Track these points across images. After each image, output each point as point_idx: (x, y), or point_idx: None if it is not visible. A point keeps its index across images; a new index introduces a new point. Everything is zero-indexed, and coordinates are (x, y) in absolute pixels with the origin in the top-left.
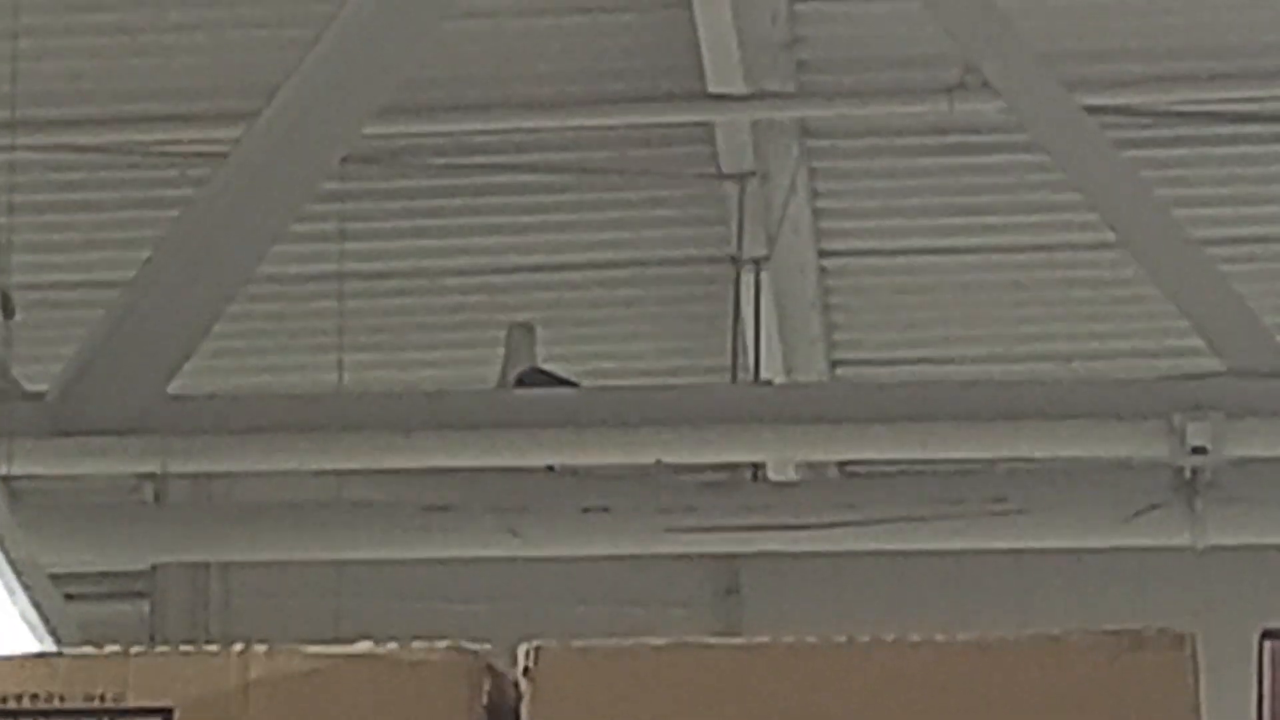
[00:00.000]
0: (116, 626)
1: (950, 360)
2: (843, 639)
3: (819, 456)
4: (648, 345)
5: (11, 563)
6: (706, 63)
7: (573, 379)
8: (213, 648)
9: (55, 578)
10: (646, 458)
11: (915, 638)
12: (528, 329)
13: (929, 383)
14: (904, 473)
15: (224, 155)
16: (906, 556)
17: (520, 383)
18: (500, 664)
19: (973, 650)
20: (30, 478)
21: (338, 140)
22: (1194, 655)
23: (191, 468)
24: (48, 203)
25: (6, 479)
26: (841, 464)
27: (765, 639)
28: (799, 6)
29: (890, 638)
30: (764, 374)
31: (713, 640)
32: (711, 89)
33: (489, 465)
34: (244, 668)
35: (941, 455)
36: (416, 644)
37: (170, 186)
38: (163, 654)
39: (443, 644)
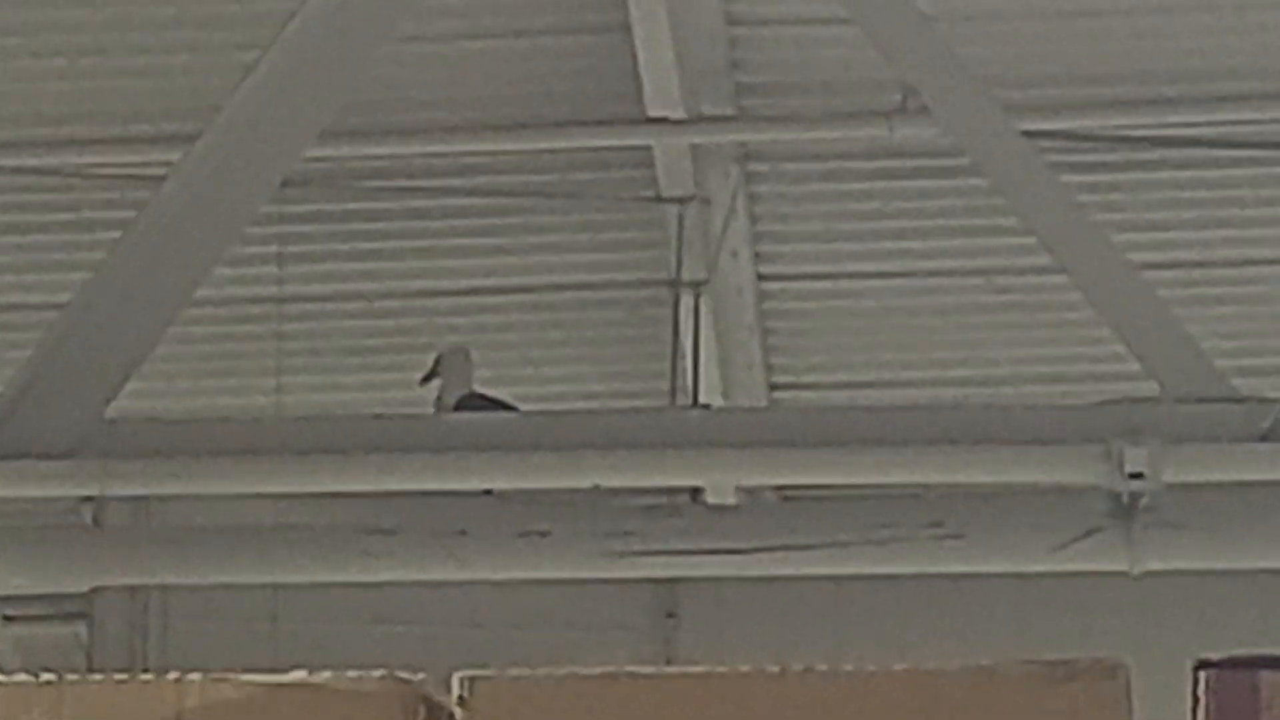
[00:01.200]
0: (55, 649)
1: (889, 384)
2: (776, 668)
3: (757, 481)
4: (586, 369)
5: None
6: (646, 86)
7: (511, 403)
8: (147, 676)
9: None
10: (585, 482)
11: (849, 667)
12: (463, 353)
13: (868, 407)
14: (842, 497)
15: (163, 178)
16: (844, 581)
17: (459, 407)
18: (435, 693)
19: (907, 680)
20: None
21: (277, 163)
22: (1127, 685)
23: (130, 491)
24: None
25: None
26: (780, 488)
27: (699, 668)
28: (738, 30)
29: (824, 667)
30: (702, 398)
31: (646, 670)
32: (651, 113)
33: (427, 489)
34: (179, 696)
35: (880, 480)
36: (351, 673)
37: (109, 209)
38: (98, 682)
39: (377, 673)
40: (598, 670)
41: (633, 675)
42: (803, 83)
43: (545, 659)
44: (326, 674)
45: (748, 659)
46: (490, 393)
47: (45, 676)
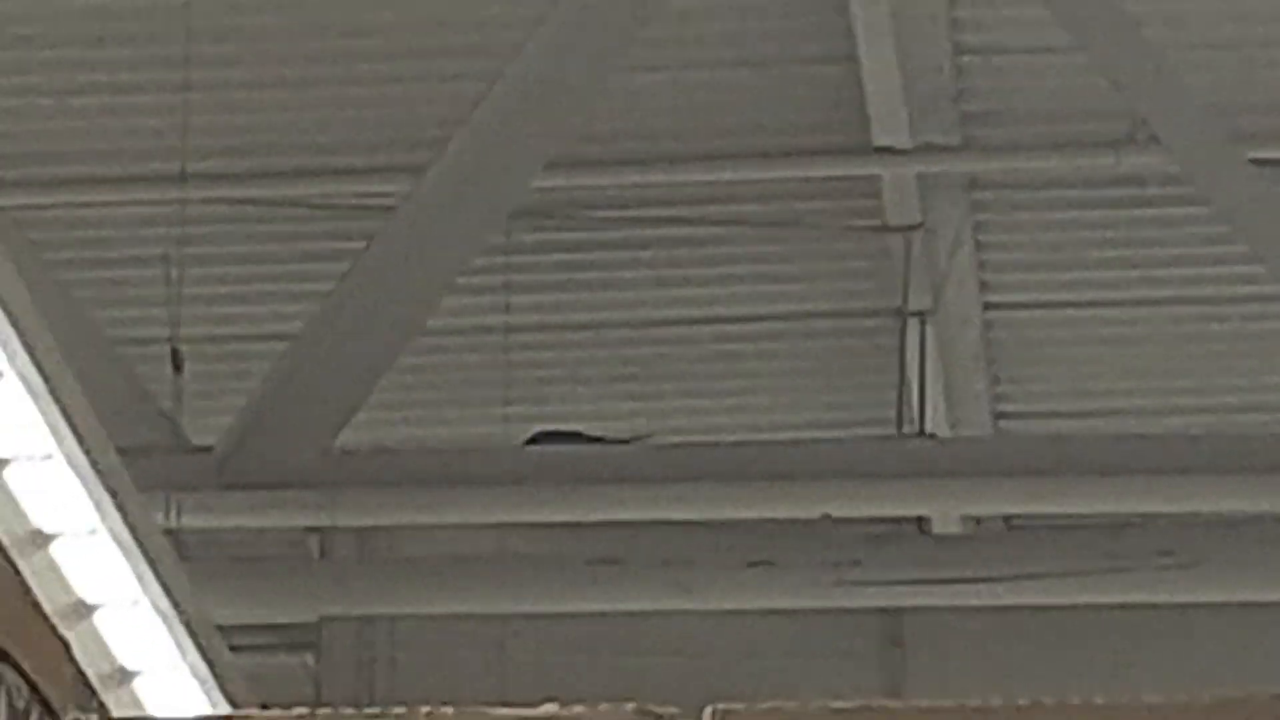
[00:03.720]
0: (282, 680)
1: (1115, 413)
2: (1025, 701)
3: (983, 510)
4: (812, 398)
5: (181, 616)
6: (872, 116)
7: (594, 434)
8: (399, 709)
9: (221, 630)
10: (812, 512)
11: (1099, 700)
12: None
13: (1094, 436)
14: (1069, 526)
15: (392, 209)
16: (1071, 610)
17: (533, 442)
18: None
19: (1148, 713)
20: (197, 531)
21: (506, 194)
22: None
23: (357, 521)
24: (217, 256)
25: (174, 532)
26: (1006, 517)
27: (947, 702)
28: (965, 59)
29: (1076, 700)
30: (928, 427)
31: (894, 703)
32: (877, 142)
33: (655, 519)
34: None
35: (1107, 509)
36: (603, 705)
37: (338, 240)
38: (347, 714)
39: (629, 705)
40: (851, 704)
41: (883, 708)
42: (1029, 112)
43: (771, 689)
44: (578, 707)
45: (973, 689)
46: (562, 427)
47: (296, 709)
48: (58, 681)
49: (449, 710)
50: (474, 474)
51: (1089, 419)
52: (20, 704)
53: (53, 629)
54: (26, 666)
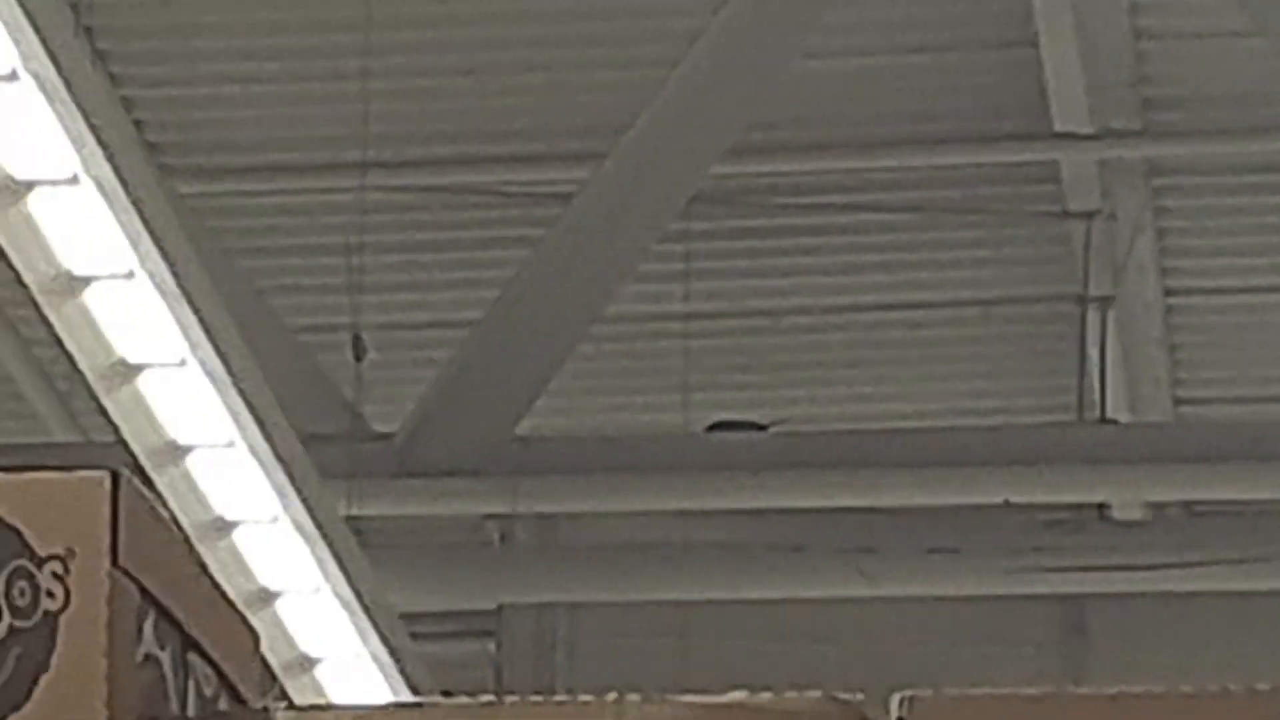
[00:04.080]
0: (463, 667)
1: None
2: (1213, 688)
3: (1165, 496)
4: (993, 384)
5: (363, 603)
6: (1052, 101)
7: (763, 422)
8: (586, 697)
9: (402, 617)
10: (992, 498)
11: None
12: None
13: (1275, 421)
14: (1251, 512)
15: (571, 196)
16: (1253, 596)
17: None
18: (871, 712)
19: None
20: (378, 518)
21: (685, 180)
22: None
23: (538, 509)
24: (397, 243)
25: (355, 519)
26: (1187, 503)
27: (1134, 689)
28: (1145, 44)
29: (1264, 686)
30: (1109, 413)
31: (1084, 690)
32: (1057, 128)
33: (836, 506)
34: (618, 717)
35: None
36: (789, 694)
37: (518, 227)
38: (535, 703)
39: (815, 693)
40: (1040, 690)
41: (1076, 695)
42: (1211, 96)
43: (951, 676)
44: (765, 695)
45: (1155, 676)
46: (739, 417)
47: (484, 698)
48: (245, 670)
49: (635, 698)
50: (654, 461)
51: (1270, 404)
52: (209, 692)
53: (241, 618)
54: (215, 655)
